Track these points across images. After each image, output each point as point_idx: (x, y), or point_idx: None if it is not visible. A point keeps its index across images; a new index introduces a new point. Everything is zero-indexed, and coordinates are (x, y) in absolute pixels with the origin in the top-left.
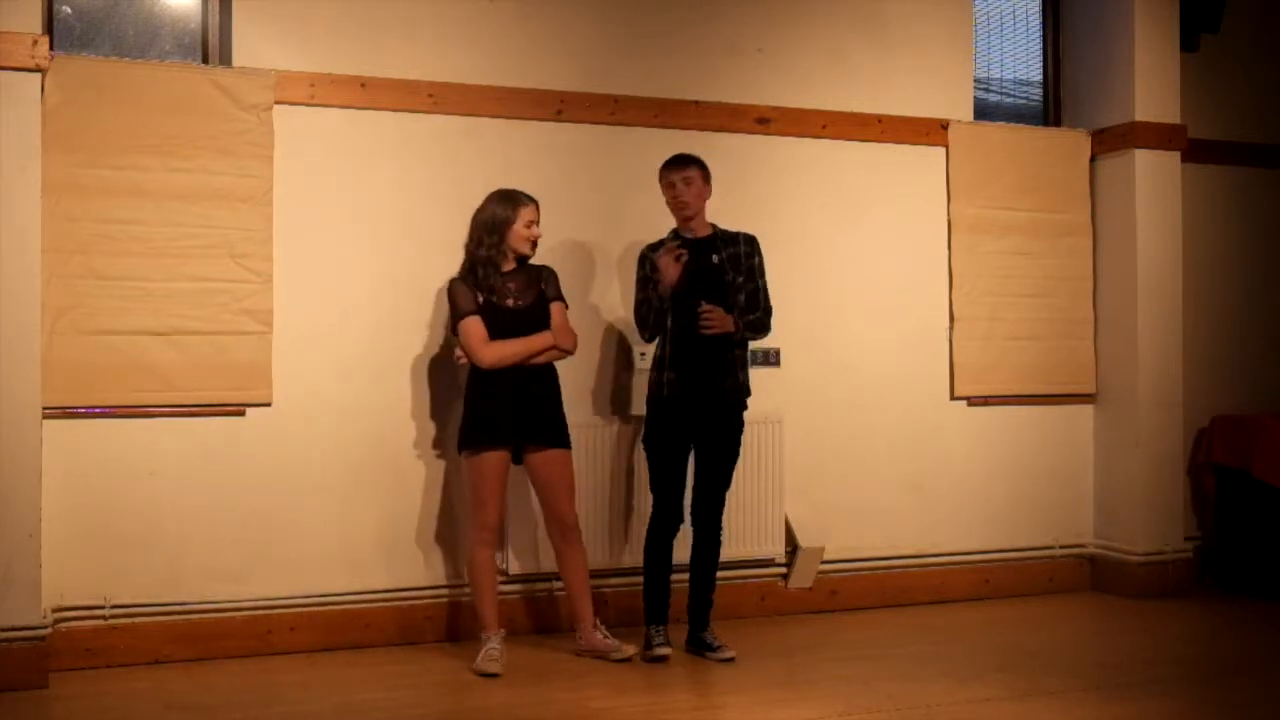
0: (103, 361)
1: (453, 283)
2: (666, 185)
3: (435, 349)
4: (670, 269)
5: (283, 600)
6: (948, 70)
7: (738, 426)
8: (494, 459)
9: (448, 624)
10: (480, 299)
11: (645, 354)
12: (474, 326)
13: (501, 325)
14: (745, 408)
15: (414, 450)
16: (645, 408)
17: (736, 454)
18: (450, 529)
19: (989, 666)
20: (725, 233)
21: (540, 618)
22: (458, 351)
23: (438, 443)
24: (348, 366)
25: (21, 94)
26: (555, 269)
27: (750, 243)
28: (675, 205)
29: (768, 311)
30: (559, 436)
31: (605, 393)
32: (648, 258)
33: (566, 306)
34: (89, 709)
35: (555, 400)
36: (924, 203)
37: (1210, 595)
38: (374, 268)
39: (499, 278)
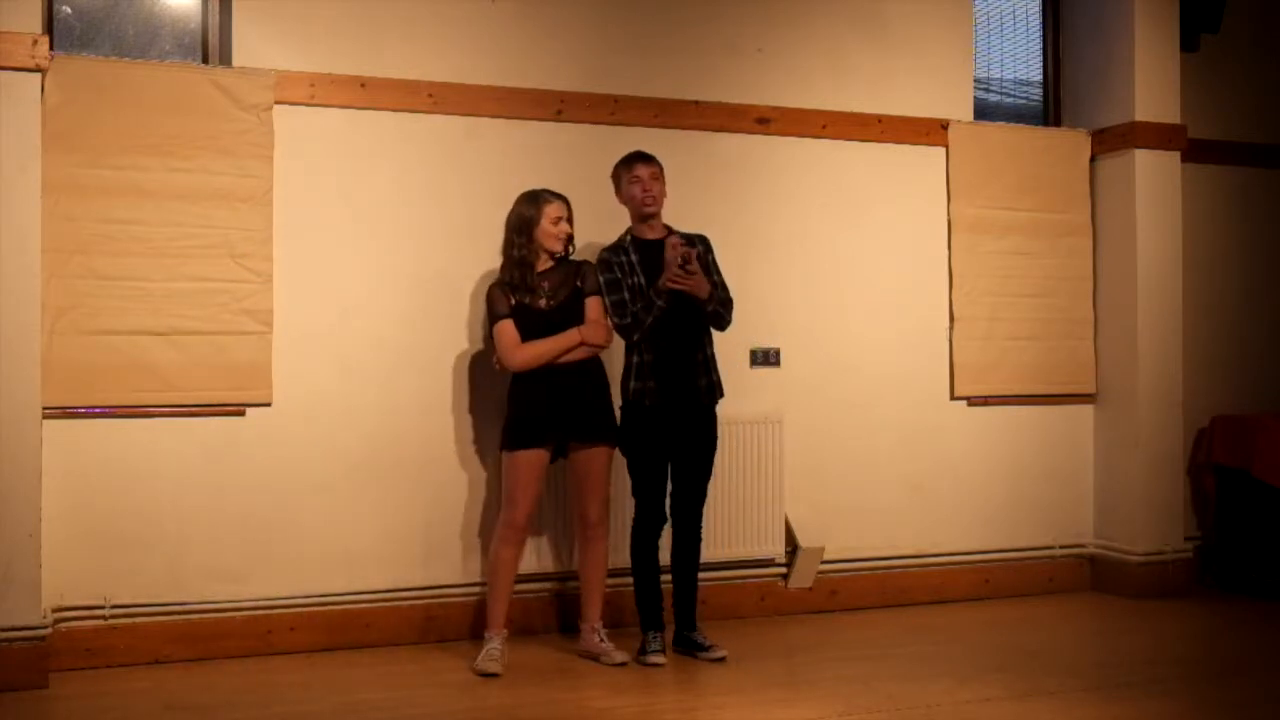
0: (103, 361)
1: (490, 287)
2: (633, 180)
3: (436, 348)
4: (674, 265)
5: (283, 600)
6: (948, 70)
7: (714, 421)
8: (530, 458)
9: (448, 624)
10: (513, 301)
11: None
12: (506, 330)
13: (532, 326)
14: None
15: (414, 450)
16: (621, 414)
17: (714, 447)
18: (451, 529)
19: (989, 666)
20: (681, 234)
21: (542, 617)
22: (495, 356)
23: (438, 442)
24: (348, 366)
25: (21, 94)
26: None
27: (705, 242)
28: (642, 201)
29: (730, 303)
30: (604, 432)
31: None
32: (611, 261)
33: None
34: (89, 709)
35: (601, 394)
36: (924, 203)
37: (1210, 595)
38: (374, 267)
39: (534, 277)
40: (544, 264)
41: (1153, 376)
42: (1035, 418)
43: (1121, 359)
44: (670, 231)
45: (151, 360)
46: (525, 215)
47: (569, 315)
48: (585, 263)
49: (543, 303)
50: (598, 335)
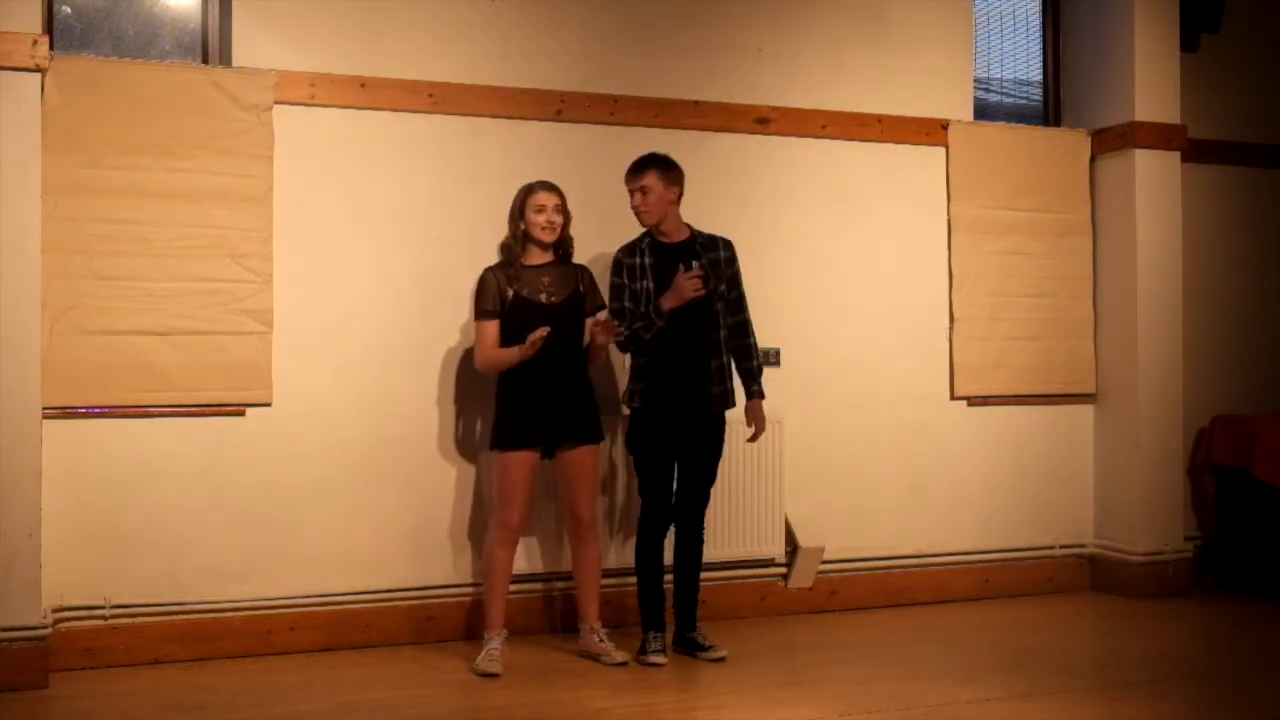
0: (103, 361)
1: (484, 273)
2: (629, 193)
3: (436, 348)
4: (685, 291)
5: (283, 600)
6: (948, 70)
7: (721, 425)
8: (522, 458)
9: (448, 624)
10: (511, 292)
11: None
12: (489, 331)
13: (535, 321)
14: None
15: (414, 450)
16: (629, 416)
17: (720, 451)
18: (451, 529)
19: (989, 666)
20: (704, 236)
21: (537, 617)
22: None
23: (438, 442)
24: (348, 366)
25: (21, 94)
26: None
27: (729, 247)
28: (636, 215)
29: (749, 322)
30: (591, 432)
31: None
32: (623, 262)
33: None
34: (89, 709)
35: (586, 394)
36: (924, 203)
37: (1210, 595)
38: (374, 267)
39: (532, 271)
40: (539, 258)
41: (1153, 376)
42: (1035, 418)
43: (1121, 359)
44: (693, 232)
45: (151, 360)
46: (515, 204)
47: (570, 313)
48: (583, 268)
49: (543, 297)
50: (594, 360)
